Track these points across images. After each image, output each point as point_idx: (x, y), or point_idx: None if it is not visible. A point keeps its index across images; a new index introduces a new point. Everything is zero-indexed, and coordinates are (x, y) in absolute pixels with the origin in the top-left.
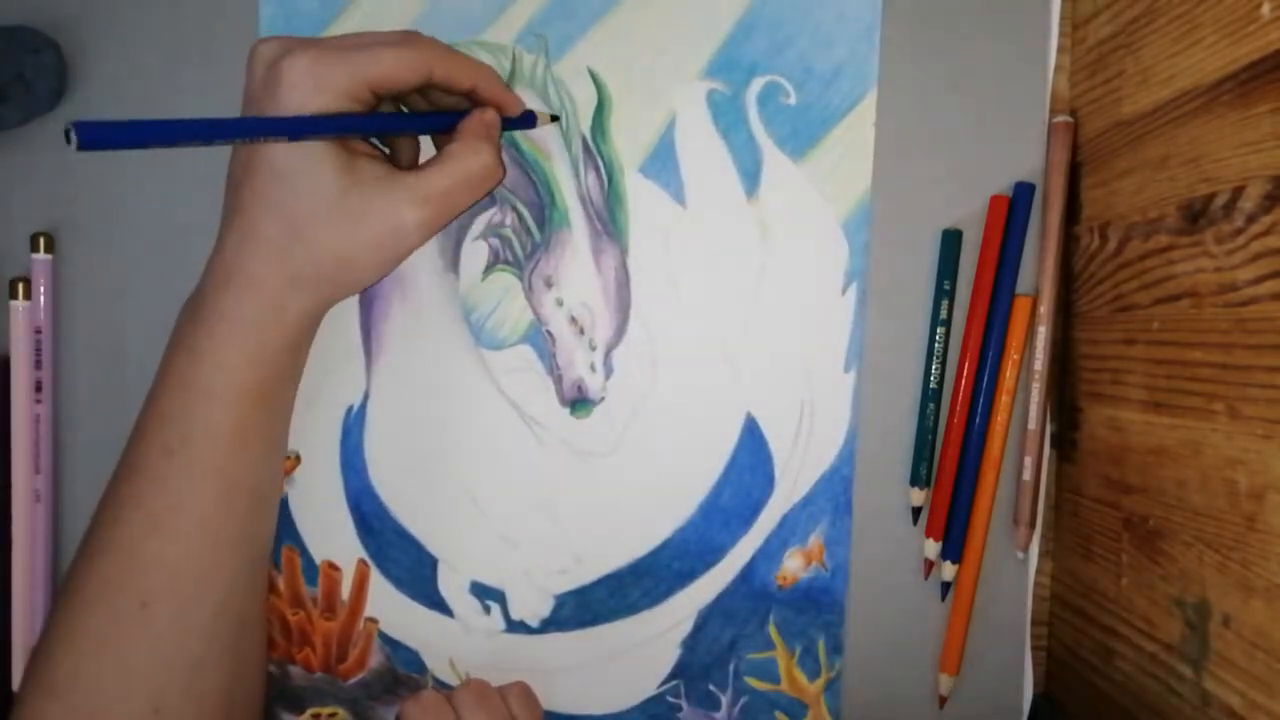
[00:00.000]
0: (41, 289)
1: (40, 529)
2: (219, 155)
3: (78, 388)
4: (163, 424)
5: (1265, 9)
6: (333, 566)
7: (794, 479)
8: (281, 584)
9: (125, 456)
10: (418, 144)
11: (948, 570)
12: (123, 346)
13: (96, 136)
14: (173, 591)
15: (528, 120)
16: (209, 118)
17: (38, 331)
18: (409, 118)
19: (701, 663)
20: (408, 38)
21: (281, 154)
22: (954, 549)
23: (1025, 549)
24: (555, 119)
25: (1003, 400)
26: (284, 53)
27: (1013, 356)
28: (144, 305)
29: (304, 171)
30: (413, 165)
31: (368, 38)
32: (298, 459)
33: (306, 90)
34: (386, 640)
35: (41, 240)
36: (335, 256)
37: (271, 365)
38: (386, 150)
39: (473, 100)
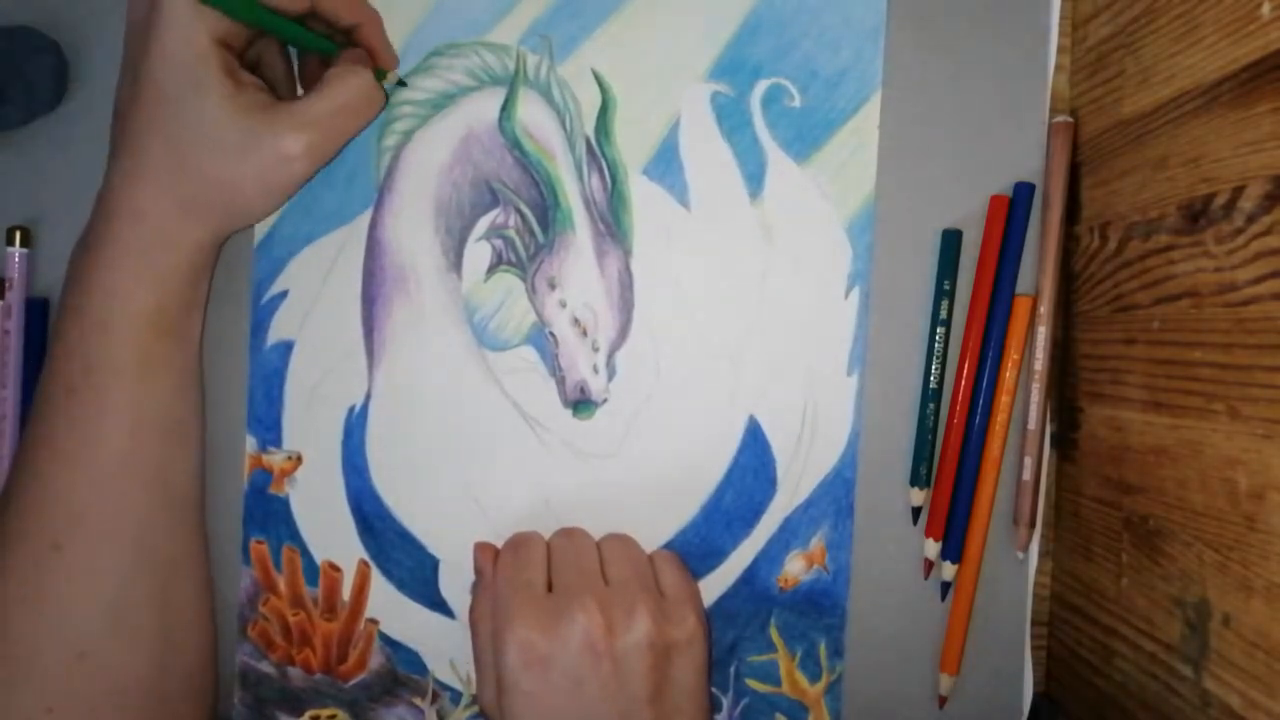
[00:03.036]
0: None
1: None
2: None
3: None
4: (65, 360)
5: (1265, 9)
6: (333, 567)
7: (796, 482)
8: (282, 584)
9: (35, 397)
10: (295, 80)
11: (948, 570)
12: None
13: None
14: (84, 531)
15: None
16: None
17: (5, 333)
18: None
19: None
20: None
21: (167, 78)
22: (954, 549)
23: (1025, 549)
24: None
25: (1003, 400)
26: None
27: (1013, 356)
28: None
29: (190, 100)
30: (291, 97)
31: None
32: (299, 459)
33: (191, 15)
34: (387, 641)
35: (18, 234)
36: (222, 185)
37: (168, 293)
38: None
39: (353, 42)
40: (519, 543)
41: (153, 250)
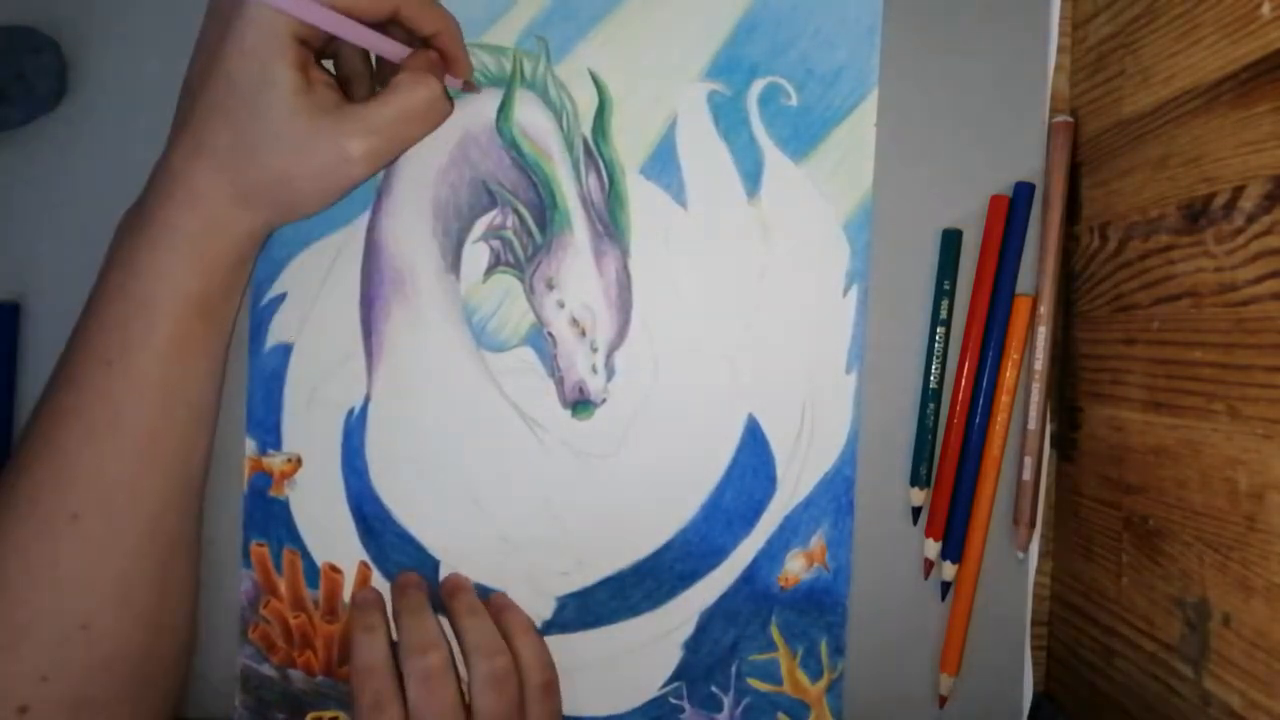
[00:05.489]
0: None
1: None
2: None
3: None
4: (102, 334)
5: (1265, 9)
6: (334, 569)
7: (795, 480)
8: (283, 587)
9: (61, 369)
10: (372, 81)
11: (948, 570)
12: None
13: None
14: (105, 504)
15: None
16: None
17: None
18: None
19: (704, 664)
20: None
21: (241, 68)
22: (954, 549)
23: (1025, 549)
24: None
25: (1003, 400)
26: None
27: (1013, 356)
28: None
29: (260, 88)
30: (364, 99)
31: None
32: (298, 462)
33: (271, 11)
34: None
35: None
36: (281, 177)
37: (214, 279)
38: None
39: (427, 47)
40: (376, 698)
41: (205, 235)
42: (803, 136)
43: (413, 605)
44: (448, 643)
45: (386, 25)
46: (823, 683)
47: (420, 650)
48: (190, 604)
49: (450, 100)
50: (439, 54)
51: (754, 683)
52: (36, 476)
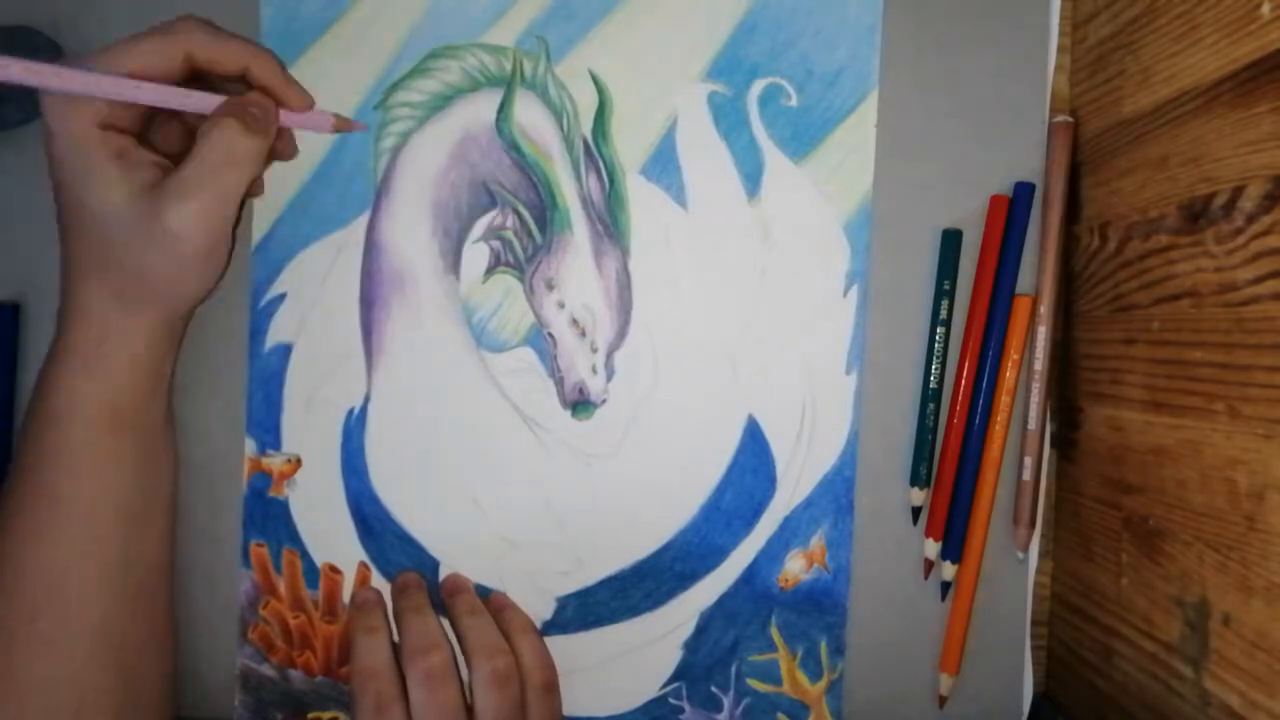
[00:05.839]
0: None
1: None
2: None
3: None
4: (24, 447)
5: (1265, 9)
6: (334, 569)
7: (795, 480)
8: (283, 587)
9: (10, 470)
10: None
11: (948, 570)
12: None
13: None
14: (60, 606)
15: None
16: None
17: None
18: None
19: (703, 664)
20: (168, 24)
21: (65, 175)
22: (954, 549)
23: (1025, 549)
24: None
25: (1003, 400)
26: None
27: (1013, 356)
28: None
29: (85, 188)
30: None
31: (131, 36)
32: (298, 462)
33: (66, 110)
34: None
35: None
36: (137, 272)
37: (119, 389)
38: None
39: (250, 88)
40: (379, 700)
41: (99, 347)
42: (803, 137)
43: (414, 605)
44: (449, 643)
45: (190, 80)
46: (822, 683)
47: (422, 651)
48: (161, 692)
49: (256, 136)
50: (260, 90)
51: (754, 683)
52: None
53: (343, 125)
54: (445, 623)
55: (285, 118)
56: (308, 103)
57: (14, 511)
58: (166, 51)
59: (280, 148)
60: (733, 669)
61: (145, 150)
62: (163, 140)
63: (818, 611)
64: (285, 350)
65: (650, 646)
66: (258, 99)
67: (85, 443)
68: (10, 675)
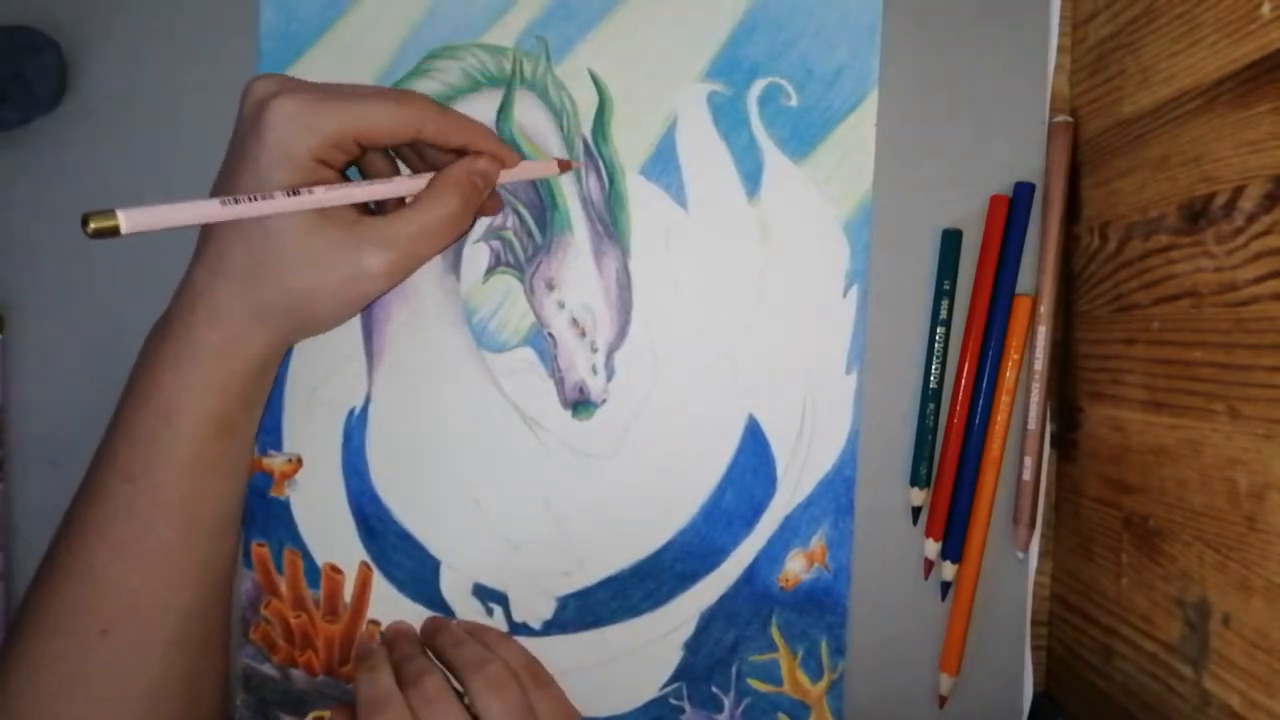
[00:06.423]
0: None
1: None
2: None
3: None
4: (126, 449)
5: (1265, 9)
6: (335, 569)
7: (796, 480)
8: (284, 587)
9: (87, 481)
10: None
11: (948, 570)
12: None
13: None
14: (133, 618)
15: (548, 168)
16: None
17: None
18: (390, 184)
19: (704, 664)
20: (402, 94)
21: (255, 187)
22: (954, 549)
23: (1025, 549)
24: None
25: (1003, 400)
26: (276, 92)
27: (1013, 356)
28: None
29: (284, 212)
30: (389, 211)
31: (364, 89)
32: (299, 462)
33: (293, 132)
34: None
35: None
36: (298, 295)
37: (233, 394)
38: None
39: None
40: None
41: (225, 352)
42: (803, 137)
43: (405, 653)
44: (441, 670)
45: (417, 145)
46: (823, 683)
47: (416, 679)
48: (219, 689)
49: (470, 218)
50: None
51: (754, 683)
52: (64, 592)
53: (565, 166)
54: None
55: (505, 175)
56: (516, 162)
57: (98, 520)
58: (405, 121)
59: (488, 205)
60: (733, 669)
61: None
62: (364, 172)
63: (818, 611)
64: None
65: (651, 646)
66: (486, 167)
67: (195, 444)
68: (82, 682)
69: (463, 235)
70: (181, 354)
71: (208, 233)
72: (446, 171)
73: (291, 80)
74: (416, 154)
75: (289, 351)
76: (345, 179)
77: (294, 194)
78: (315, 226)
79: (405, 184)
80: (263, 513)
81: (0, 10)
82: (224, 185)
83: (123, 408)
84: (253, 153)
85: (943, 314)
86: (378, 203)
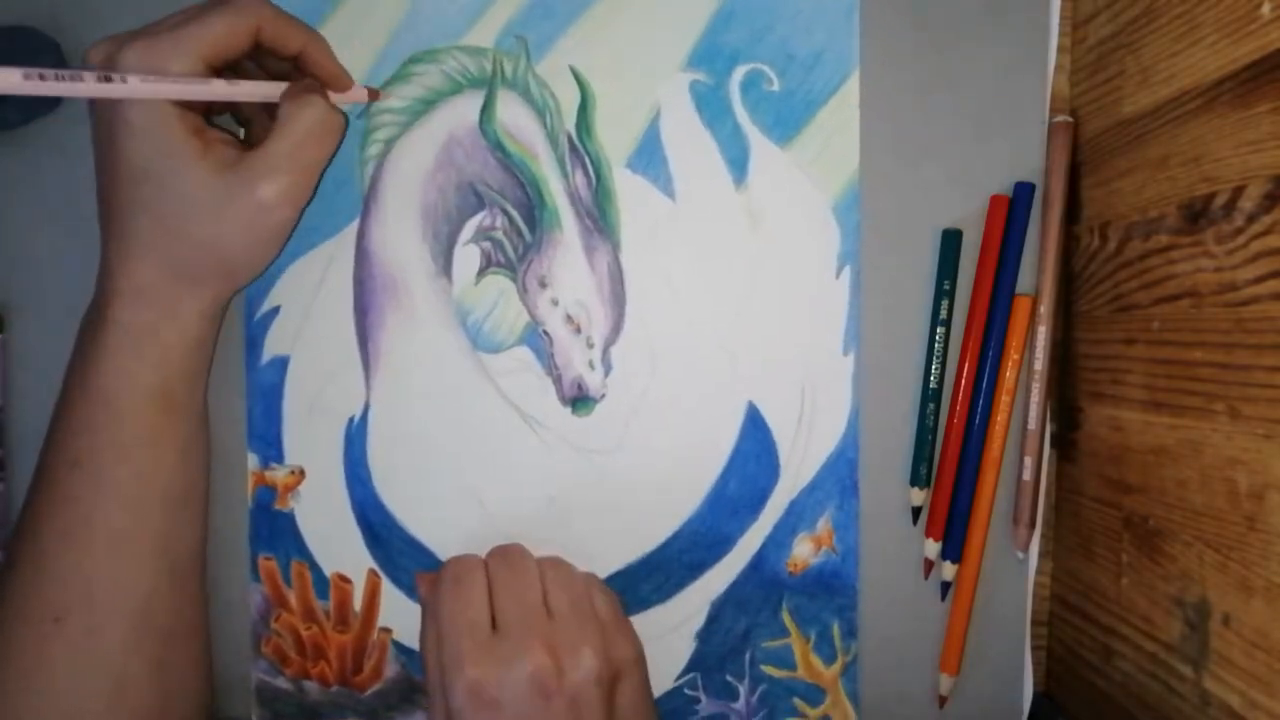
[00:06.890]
0: None
1: None
2: None
3: (29, 467)
4: (68, 436)
5: (1265, 9)
6: (343, 579)
7: (799, 464)
8: (293, 599)
9: (36, 470)
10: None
11: (948, 570)
12: None
13: None
14: (88, 604)
15: (360, 94)
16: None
17: None
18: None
19: (717, 654)
20: (233, 2)
21: (138, 150)
22: (954, 549)
23: (1025, 549)
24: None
25: (1003, 400)
26: (115, 49)
27: (1013, 356)
28: None
29: (163, 167)
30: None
31: (193, 10)
32: (301, 474)
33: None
34: (402, 649)
35: None
36: (207, 246)
37: (171, 368)
38: (242, 134)
39: (301, 69)
40: (459, 575)
41: (155, 327)
42: (787, 121)
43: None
44: None
45: (259, 58)
46: (837, 666)
47: (500, 550)
48: (201, 685)
49: (341, 113)
50: (313, 75)
51: (768, 669)
52: (16, 581)
53: (374, 95)
54: None
55: (335, 97)
56: (351, 84)
57: (47, 509)
58: (243, 28)
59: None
60: (746, 656)
61: (213, 129)
62: (218, 117)
63: (828, 594)
64: (282, 363)
65: (663, 639)
66: (329, 68)
67: (139, 424)
68: (40, 670)
69: (342, 134)
70: (111, 336)
71: (107, 216)
72: (294, 85)
73: (126, 33)
74: (264, 70)
75: (286, 361)
76: (217, 127)
77: (106, 80)
78: (207, 174)
79: (251, 87)
80: (268, 526)
81: (0, 10)
82: (104, 176)
83: (63, 397)
84: (122, 120)
85: (943, 314)
86: (253, 141)
